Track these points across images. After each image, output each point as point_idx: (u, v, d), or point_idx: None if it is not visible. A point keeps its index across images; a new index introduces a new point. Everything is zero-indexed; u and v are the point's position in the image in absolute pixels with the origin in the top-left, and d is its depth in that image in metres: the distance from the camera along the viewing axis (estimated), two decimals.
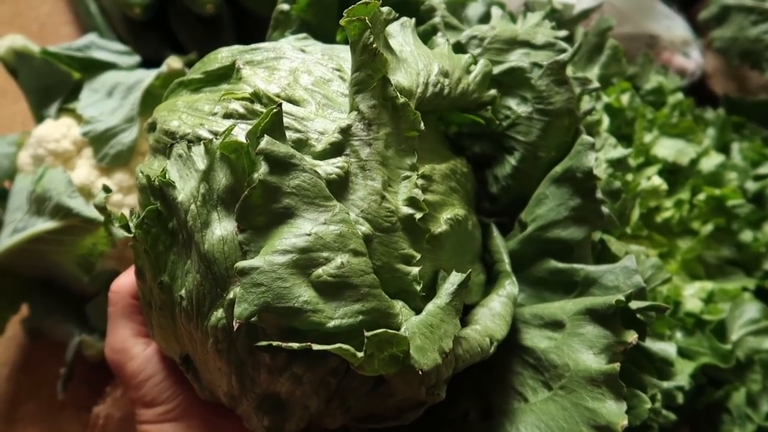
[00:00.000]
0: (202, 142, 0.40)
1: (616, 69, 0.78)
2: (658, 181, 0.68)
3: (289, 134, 0.40)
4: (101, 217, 0.60)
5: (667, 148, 0.73)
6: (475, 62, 0.51)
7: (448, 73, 0.46)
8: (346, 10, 0.41)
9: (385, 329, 0.34)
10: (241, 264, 0.35)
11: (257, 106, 0.42)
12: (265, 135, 0.37)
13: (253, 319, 0.34)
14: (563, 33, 0.58)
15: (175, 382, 0.47)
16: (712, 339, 0.61)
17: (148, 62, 0.80)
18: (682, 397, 0.53)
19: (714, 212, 0.71)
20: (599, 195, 0.49)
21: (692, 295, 0.68)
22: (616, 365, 0.40)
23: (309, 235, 0.36)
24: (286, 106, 0.41)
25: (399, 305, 0.38)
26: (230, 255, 0.38)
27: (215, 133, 0.41)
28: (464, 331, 0.41)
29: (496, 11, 0.67)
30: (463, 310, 0.43)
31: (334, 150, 0.40)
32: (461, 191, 0.47)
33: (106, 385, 0.75)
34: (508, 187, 0.55)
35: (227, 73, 0.45)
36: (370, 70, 0.40)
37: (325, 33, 0.59)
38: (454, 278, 0.40)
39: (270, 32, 0.61)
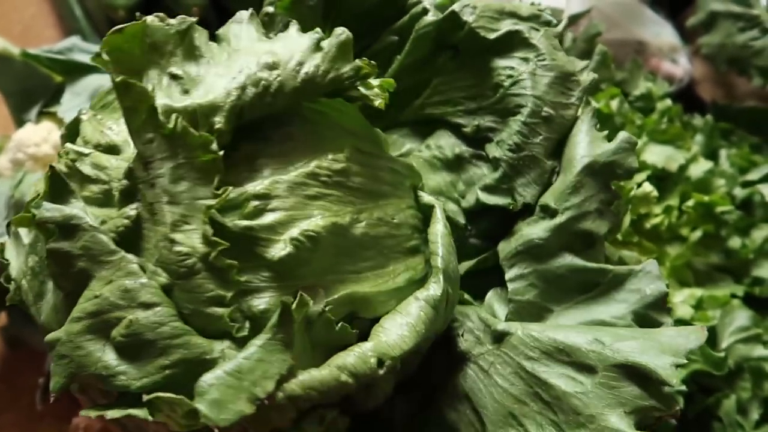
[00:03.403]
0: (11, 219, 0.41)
1: (604, 75, 0.78)
2: (649, 188, 0.68)
3: (97, 188, 0.39)
4: None
5: (656, 155, 0.73)
6: (329, 36, 0.44)
7: (278, 64, 0.40)
8: (103, 40, 0.40)
9: (169, 394, 0.33)
10: (48, 338, 0.36)
11: (79, 163, 0.40)
12: (44, 203, 0.37)
13: (72, 386, 0.36)
14: (543, 5, 0.58)
15: None
16: (704, 346, 0.60)
17: None
18: None
19: (703, 219, 0.70)
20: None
21: (682, 302, 0.68)
22: None
23: (98, 296, 0.36)
24: (97, 157, 0.40)
25: (221, 347, 0.36)
26: (63, 322, 0.38)
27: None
28: (336, 358, 0.37)
29: None
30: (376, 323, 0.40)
31: (126, 197, 0.38)
32: (336, 193, 0.41)
33: None
34: (516, 147, 0.51)
35: (77, 124, 0.44)
36: (130, 103, 0.37)
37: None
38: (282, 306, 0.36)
39: None
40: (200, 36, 0.42)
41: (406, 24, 0.59)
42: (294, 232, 0.38)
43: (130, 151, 0.40)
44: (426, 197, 0.48)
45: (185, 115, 0.37)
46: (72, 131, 0.44)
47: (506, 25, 0.54)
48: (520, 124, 0.52)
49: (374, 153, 0.46)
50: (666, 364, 0.38)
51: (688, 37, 0.95)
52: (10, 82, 0.70)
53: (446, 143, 0.57)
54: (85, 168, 0.40)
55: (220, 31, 0.45)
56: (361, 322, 0.40)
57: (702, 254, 0.70)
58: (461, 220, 0.53)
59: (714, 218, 0.71)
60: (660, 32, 0.90)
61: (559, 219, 0.46)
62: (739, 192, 0.76)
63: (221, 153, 0.37)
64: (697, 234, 0.70)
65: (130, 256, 0.37)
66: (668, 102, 0.79)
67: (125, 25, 0.39)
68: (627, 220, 0.66)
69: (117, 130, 0.42)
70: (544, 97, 0.52)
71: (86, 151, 0.40)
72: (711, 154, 0.82)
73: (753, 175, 0.78)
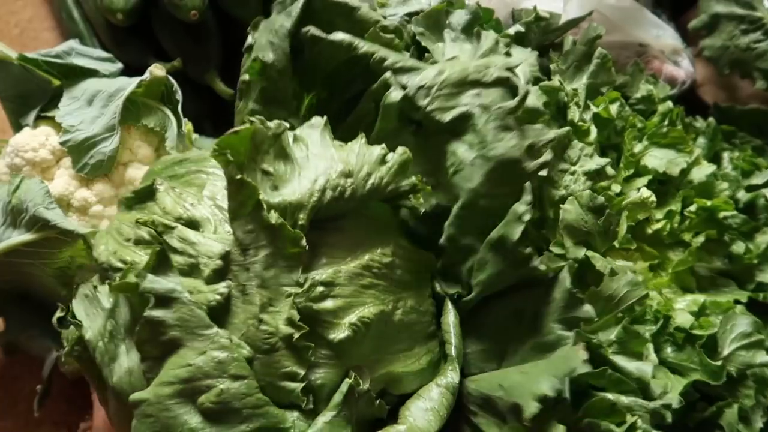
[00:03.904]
0: (107, 283, 0.45)
1: (604, 78, 0.77)
2: (646, 193, 0.67)
3: (183, 260, 0.44)
4: (79, 229, 0.58)
5: (658, 159, 0.72)
6: (392, 151, 0.51)
7: (353, 172, 0.47)
8: (215, 142, 0.44)
9: None
10: (133, 396, 0.40)
11: (167, 235, 0.45)
12: (149, 274, 0.41)
13: None
14: (516, 62, 0.58)
15: None
16: (702, 355, 0.59)
17: (131, 69, 0.79)
18: (671, 415, 0.51)
19: (705, 223, 0.69)
20: (535, 263, 0.51)
21: (684, 308, 0.67)
22: None
23: (191, 365, 0.40)
24: (183, 231, 0.45)
25: (292, 417, 0.42)
26: (136, 385, 0.42)
27: (125, 262, 0.45)
28: None
29: (448, 35, 0.66)
30: (402, 398, 0.46)
31: (218, 275, 0.43)
32: (383, 283, 0.48)
33: (84, 400, 0.73)
34: (451, 238, 0.54)
35: (151, 192, 0.49)
36: (241, 198, 0.43)
37: (282, 97, 0.62)
38: (344, 386, 0.43)
39: (237, 101, 0.65)
40: (288, 138, 0.48)
41: (377, 92, 0.60)
42: (352, 317, 0.45)
43: (210, 228, 0.46)
44: (438, 287, 0.54)
45: (279, 210, 0.43)
46: (143, 196, 0.49)
47: (465, 99, 0.54)
48: (453, 216, 0.53)
49: (407, 247, 0.52)
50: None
51: (689, 40, 0.94)
52: (7, 86, 0.70)
53: (412, 222, 0.58)
54: (173, 241, 0.44)
55: (298, 133, 0.50)
56: (388, 397, 0.47)
57: (705, 259, 0.69)
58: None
59: (717, 223, 0.70)
60: (661, 34, 0.90)
61: (473, 295, 0.52)
62: (743, 196, 0.75)
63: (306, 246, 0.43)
64: (700, 239, 0.69)
65: (222, 331, 0.41)
66: (669, 105, 0.78)
67: (240, 128, 0.44)
68: (623, 227, 0.65)
69: (197, 205, 0.47)
70: (479, 189, 0.52)
71: (173, 224, 0.45)
72: (713, 158, 0.81)
73: (757, 179, 0.77)
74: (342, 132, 0.65)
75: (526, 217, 0.50)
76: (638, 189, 0.69)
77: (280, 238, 0.42)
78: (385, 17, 0.71)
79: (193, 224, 0.46)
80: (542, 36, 0.82)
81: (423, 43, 0.71)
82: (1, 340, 0.72)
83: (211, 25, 0.86)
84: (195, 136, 0.80)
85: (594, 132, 0.69)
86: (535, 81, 0.74)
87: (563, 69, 0.76)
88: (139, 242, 0.46)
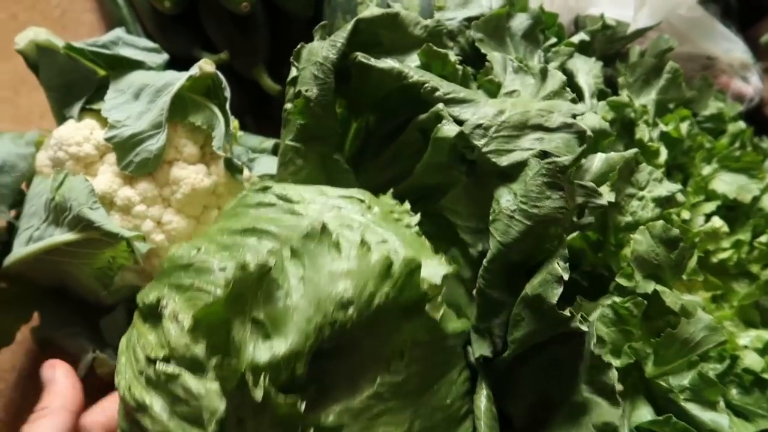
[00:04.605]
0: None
1: (674, 94, 0.73)
2: (718, 223, 0.63)
3: (187, 409, 0.42)
4: (123, 232, 0.56)
5: (728, 184, 0.68)
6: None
7: (352, 300, 0.41)
8: (189, 327, 0.43)
9: None
10: None
11: (171, 384, 0.43)
12: None
13: None
14: (582, 109, 0.54)
15: None
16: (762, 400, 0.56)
17: (176, 58, 0.76)
18: None
19: None
20: (575, 324, 0.47)
21: (748, 345, 0.63)
22: None
23: None
24: (186, 381, 0.42)
25: None
26: None
27: (137, 404, 0.44)
28: None
29: (510, 67, 0.63)
30: None
31: (221, 429, 0.41)
32: (397, 404, 0.44)
33: None
34: (480, 291, 0.52)
35: (159, 311, 0.46)
36: (222, 374, 0.40)
37: (325, 133, 0.60)
38: None
39: (282, 129, 0.63)
40: (278, 270, 0.43)
41: (427, 123, 0.57)
42: None
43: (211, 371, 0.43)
44: (472, 356, 0.51)
45: (270, 370, 0.40)
46: (153, 312, 0.47)
47: (525, 144, 0.51)
48: (483, 269, 0.51)
49: (430, 340, 0.46)
50: None
51: (758, 54, 0.89)
52: (52, 75, 0.67)
53: (463, 262, 0.56)
54: (177, 389, 0.42)
55: (295, 246, 0.44)
56: None
57: None
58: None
59: None
60: (731, 48, 0.85)
61: (509, 352, 0.50)
62: None
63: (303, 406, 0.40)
64: None
65: None
66: (741, 125, 0.74)
67: (214, 300, 0.41)
68: (693, 259, 0.61)
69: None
70: (512, 245, 0.49)
71: (176, 372, 0.43)
72: None
73: None
74: (383, 161, 0.63)
75: (565, 277, 0.47)
76: (706, 216, 0.65)
77: (272, 407, 0.39)
78: (440, 21, 0.67)
79: (195, 365, 0.43)
80: (606, 45, 0.77)
81: (482, 50, 0.68)
82: (35, 335, 0.70)
83: (260, 17, 0.83)
84: (240, 133, 0.77)
85: (664, 154, 0.65)
86: (600, 94, 0.70)
87: (630, 82, 0.72)
88: (149, 382, 0.44)
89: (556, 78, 0.57)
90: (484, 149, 0.52)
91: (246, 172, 0.70)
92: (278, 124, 0.91)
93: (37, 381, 0.79)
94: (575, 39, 0.71)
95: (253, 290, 0.41)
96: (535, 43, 0.72)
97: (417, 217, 0.53)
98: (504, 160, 0.52)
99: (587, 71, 0.69)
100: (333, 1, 0.78)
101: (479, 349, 0.52)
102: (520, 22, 0.71)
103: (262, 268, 0.41)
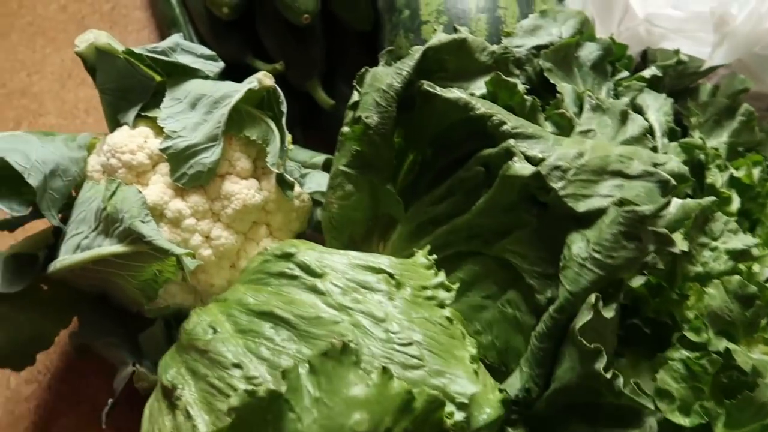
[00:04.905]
0: None
1: (747, 137, 0.70)
2: None
3: None
4: (174, 249, 0.55)
5: None
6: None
7: None
8: None
9: None
10: None
11: None
12: None
13: None
14: (664, 159, 0.52)
15: None
16: None
17: (227, 63, 0.74)
18: None
19: None
20: (598, 365, 0.46)
21: None
22: None
23: None
24: None
25: None
26: None
27: None
28: None
29: (587, 104, 0.60)
30: None
31: None
32: None
33: None
34: (540, 336, 0.51)
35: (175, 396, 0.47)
36: None
37: (380, 163, 0.59)
38: None
39: (336, 152, 0.61)
40: (291, 391, 0.41)
41: (494, 158, 0.55)
42: None
43: None
44: None
45: None
46: (171, 392, 0.47)
47: (603, 190, 0.49)
48: (549, 317, 0.49)
49: None
50: None
51: None
52: (109, 78, 0.66)
53: (524, 308, 0.54)
54: None
55: (313, 362, 0.42)
56: None
57: None
58: None
59: None
60: None
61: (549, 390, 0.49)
62: None
63: None
64: None
65: None
66: None
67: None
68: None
69: None
70: (580, 295, 0.47)
71: None
72: None
73: None
74: (437, 195, 0.61)
75: (607, 315, 0.47)
76: None
77: None
78: (508, 48, 0.65)
79: None
80: (676, 80, 0.74)
81: (551, 80, 0.65)
82: (73, 340, 0.69)
83: (318, 29, 0.81)
84: (291, 146, 0.76)
85: (737, 201, 0.62)
86: (671, 133, 0.67)
87: (701, 122, 0.69)
88: None
89: (636, 123, 0.55)
90: (561, 192, 0.50)
91: (297, 188, 0.68)
92: (326, 136, 0.89)
93: (69, 384, 0.78)
94: (646, 73, 0.69)
95: (262, 415, 0.40)
96: (603, 74, 0.69)
97: (452, 294, 0.51)
98: (581, 206, 0.49)
99: (657, 108, 0.66)
100: (395, 17, 0.76)
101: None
102: (589, 52, 0.68)
103: (274, 393, 0.40)
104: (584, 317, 0.46)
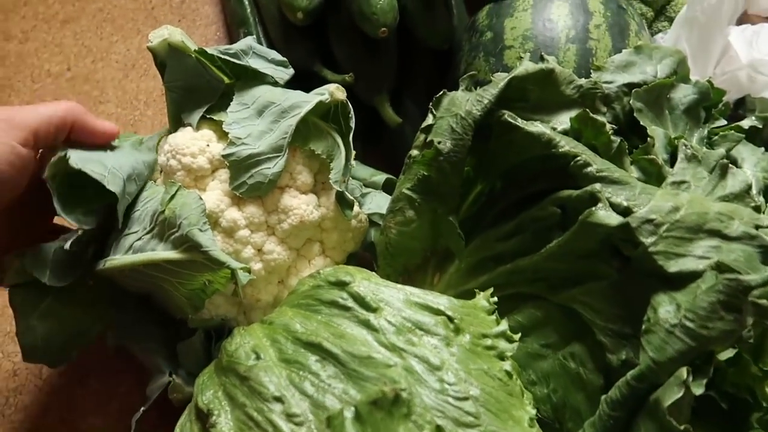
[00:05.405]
0: None
1: None
2: None
3: None
4: (231, 262, 0.52)
5: None
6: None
7: None
8: None
9: None
10: None
11: None
12: None
13: None
14: (767, 220, 0.47)
15: None
16: None
17: (295, 70, 0.72)
18: None
19: None
20: None
21: None
22: None
23: None
24: None
25: None
26: None
27: None
28: None
29: (682, 153, 0.55)
30: None
31: None
32: None
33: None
34: (613, 402, 0.46)
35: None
36: None
37: (446, 191, 0.56)
38: None
39: (401, 174, 0.59)
40: None
41: (574, 201, 0.51)
42: None
43: None
44: None
45: None
46: (206, 416, 0.47)
47: (698, 250, 0.45)
48: (626, 384, 0.45)
49: None
50: None
51: None
52: (177, 76, 0.64)
53: (591, 365, 0.51)
54: None
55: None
56: None
57: None
58: None
59: None
60: None
61: None
62: None
63: None
64: None
65: None
66: None
67: None
68: None
69: None
70: (667, 367, 0.43)
71: None
72: None
73: None
74: (503, 231, 0.57)
75: (696, 392, 0.42)
76: None
77: None
78: (597, 83, 0.61)
79: None
80: None
81: (641, 122, 0.61)
82: (110, 340, 0.67)
83: (392, 44, 0.78)
84: (353, 163, 0.73)
85: None
86: (766, 191, 0.62)
87: None
88: None
89: (738, 178, 0.50)
90: (651, 249, 0.46)
91: (356, 208, 0.65)
92: (386, 152, 0.86)
93: (101, 381, 0.77)
94: (745, 124, 0.64)
95: None
96: (696, 120, 0.64)
97: (514, 346, 0.48)
98: (672, 265, 0.45)
99: (754, 163, 0.61)
100: (474, 38, 0.72)
101: None
102: (683, 95, 0.64)
103: None
104: (673, 394, 0.41)
